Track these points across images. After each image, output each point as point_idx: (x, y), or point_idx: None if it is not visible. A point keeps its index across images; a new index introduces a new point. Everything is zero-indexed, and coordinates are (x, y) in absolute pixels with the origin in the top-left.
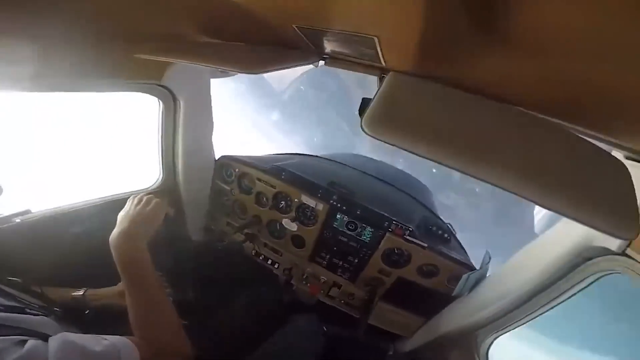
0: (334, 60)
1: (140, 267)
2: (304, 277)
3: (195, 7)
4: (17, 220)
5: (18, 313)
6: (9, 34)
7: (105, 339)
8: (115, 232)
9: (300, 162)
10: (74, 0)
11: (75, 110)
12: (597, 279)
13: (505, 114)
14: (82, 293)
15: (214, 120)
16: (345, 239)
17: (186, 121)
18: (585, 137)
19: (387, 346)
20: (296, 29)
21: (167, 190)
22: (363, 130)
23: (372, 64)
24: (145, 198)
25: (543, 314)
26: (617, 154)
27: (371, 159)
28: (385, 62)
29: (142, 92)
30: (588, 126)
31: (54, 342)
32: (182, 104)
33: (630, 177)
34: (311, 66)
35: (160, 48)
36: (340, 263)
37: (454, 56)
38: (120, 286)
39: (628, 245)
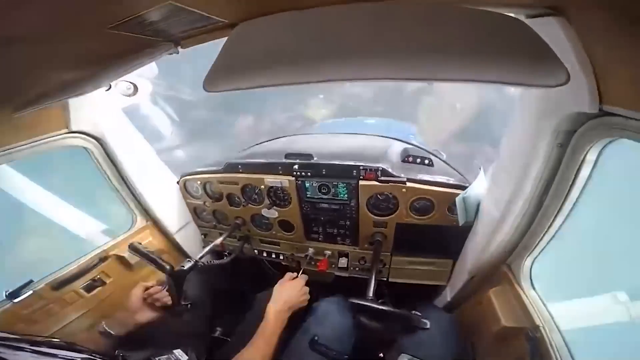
0: (186, 40)
1: (280, 327)
2: (308, 257)
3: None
4: (30, 292)
5: None
6: None
7: None
8: (281, 300)
9: (252, 151)
10: None
11: None
12: (600, 153)
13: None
14: (104, 328)
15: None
16: (325, 205)
17: (124, 155)
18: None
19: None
20: (114, 32)
21: (146, 229)
22: (205, 90)
23: (216, 26)
24: (298, 279)
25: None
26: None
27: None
28: (222, 17)
29: (60, 147)
30: None
31: None
32: (107, 141)
33: (535, 31)
34: None
35: (30, 98)
36: (335, 231)
37: None
38: (133, 303)
39: (600, 103)
